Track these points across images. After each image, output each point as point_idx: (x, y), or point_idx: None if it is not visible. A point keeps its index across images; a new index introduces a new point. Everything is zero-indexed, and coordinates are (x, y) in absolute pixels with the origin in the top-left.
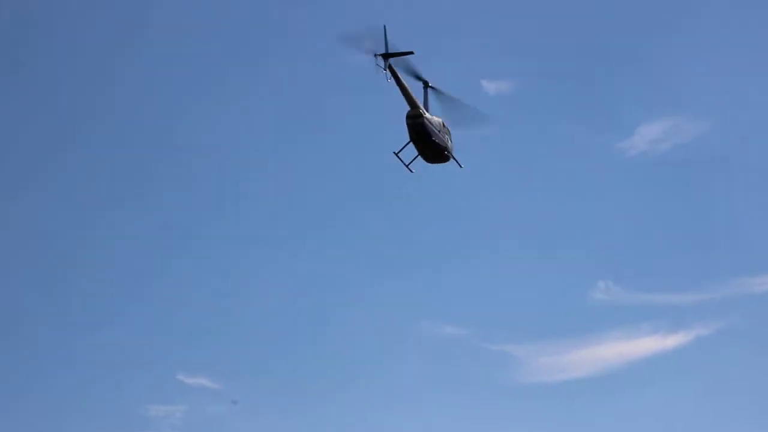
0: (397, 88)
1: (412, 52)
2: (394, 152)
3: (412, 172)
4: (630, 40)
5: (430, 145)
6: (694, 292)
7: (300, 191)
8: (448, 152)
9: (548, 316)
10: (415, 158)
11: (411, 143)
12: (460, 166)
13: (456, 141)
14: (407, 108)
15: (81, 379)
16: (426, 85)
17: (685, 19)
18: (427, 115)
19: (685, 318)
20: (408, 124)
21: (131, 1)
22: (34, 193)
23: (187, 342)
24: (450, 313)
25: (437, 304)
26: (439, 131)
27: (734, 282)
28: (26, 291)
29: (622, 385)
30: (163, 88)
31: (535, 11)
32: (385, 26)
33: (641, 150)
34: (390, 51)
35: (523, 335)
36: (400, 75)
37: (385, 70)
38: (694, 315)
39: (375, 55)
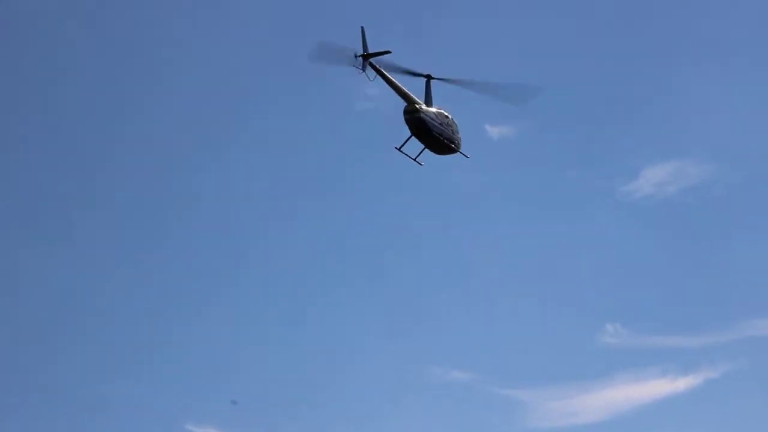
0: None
1: (389, 51)
2: (396, 147)
3: (421, 165)
4: (632, 84)
5: (431, 139)
6: (701, 334)
7: (307, 243)
8: (454, 144)
9: (556, 359)
10: (422, 151)
11: (413, 138)
12: (466, 156)
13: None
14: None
15: (94, 430)
16: (429, 78)
17: (689, 63)
18: (425, 108)
19: (694, 361)
20: (405, 119)
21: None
22: (53, 251)
23: (196, 393)
24: (458, 358)
25: (445, 349)
26: (440, 124)
27: (741, 324)
28: (40, 344)
29: (632, 429)
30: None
31: (537, 55)
32: (363, 27)
33: (647, 193)
34: (368, 52)
35: (531, 379)
36: (387, 73)
37: (363, 70)
38: (702, 358)
39: (355, 56)
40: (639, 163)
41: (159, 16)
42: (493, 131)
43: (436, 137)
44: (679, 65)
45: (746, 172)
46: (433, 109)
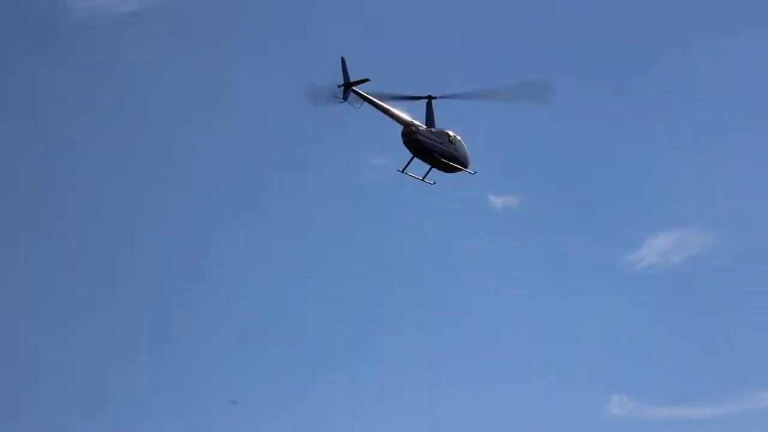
0: (381, 114)
1: (368, 79)
2: (399, 170)
3: (431, 184)
4: (634, 153)
5: (433, 159)
6: (708, 405)
7: (309, 311)
8: (458, 162)
9: (562, 430)
10: (429, 171)
11: (415, 159)
12: (471, 173)
13: None
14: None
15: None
16: (429, 99)
17: (690, 133)
18: (423, 129)
19: None
20: (404, 142)
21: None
22: (56, 332)
23: None
24: (463, 430)
25: (450, 420)
26: (441, 143)
27: (748, 396)
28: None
29: None
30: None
31: (540, 125)
32: (343, 58)
33: (651, 263)
34: (349, 81)
35: None
36: (374, 98)
37: (345, 99)
38: (709, 429)
39: (338, 86)
40: (642, 232)
41: (157, 92)
42: (497, 201)
43: (436, 156)
44: (681, 135)
45: (749, 241)
46: (432, 129)
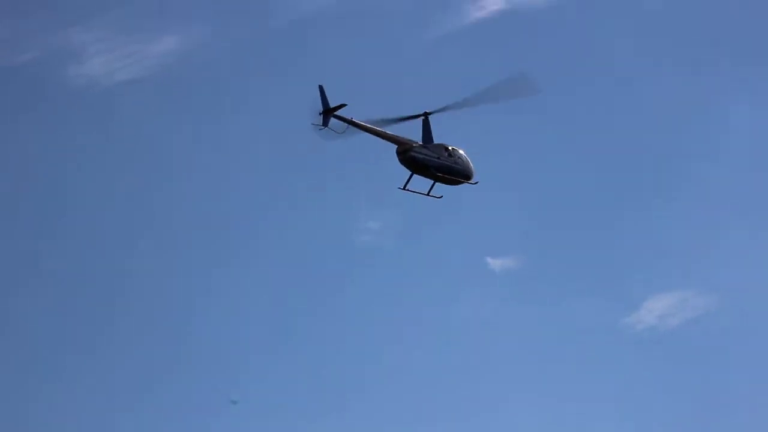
0: (372, 137)
1: (345, 105)
2: (400, 188)
3: (438, 197)
4: (633, 214)
5: (433, 174)
6: None
7: (304, 377)
8: (458, 174)
9: None
10: (433, 185)
11: (415, 175)
12: (472, 184)
13: None
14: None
15: None
16: (426, 116)
17: (690, 193)
18: (417, 145)
19: None
20: (399, 161)
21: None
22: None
23: None
24: None
25: None
26: (438, 157)
27: None
28: None
29: None
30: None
31: (537, 186)
32: (321, 86)
33: (649, 325)
34: (328, 107)
35: None
36: (359, 121)
37: (325, 125)
38: None
39: (319, 114)
40: (640, 293)
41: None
42: (495, 263)
43: (435, 171)
44: (682, 194)
45: (749, 303)
46: (428, 144)
